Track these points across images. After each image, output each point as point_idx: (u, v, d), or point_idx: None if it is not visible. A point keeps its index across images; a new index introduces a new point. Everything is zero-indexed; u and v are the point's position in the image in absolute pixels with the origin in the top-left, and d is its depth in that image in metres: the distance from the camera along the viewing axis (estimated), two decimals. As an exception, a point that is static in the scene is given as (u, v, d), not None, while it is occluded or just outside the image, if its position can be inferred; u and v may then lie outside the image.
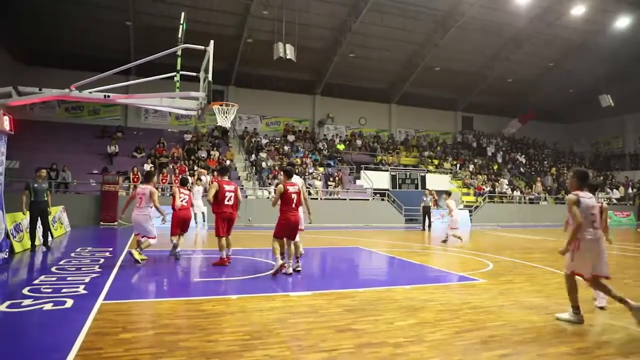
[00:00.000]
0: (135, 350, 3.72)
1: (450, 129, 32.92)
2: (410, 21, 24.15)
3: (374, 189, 23.04)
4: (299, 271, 7.43)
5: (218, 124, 9.87)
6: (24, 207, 9.49)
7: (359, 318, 4.78)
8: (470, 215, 22.94)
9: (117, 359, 3.56)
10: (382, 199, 22.65)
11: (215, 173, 19.50)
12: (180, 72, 8.13)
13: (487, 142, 32.38)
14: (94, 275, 6.81)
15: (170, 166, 20.15)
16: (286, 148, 25.05)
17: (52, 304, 5.05)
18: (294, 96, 28.18)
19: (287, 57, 21.05)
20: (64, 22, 21.21)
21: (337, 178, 23.01)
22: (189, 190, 9.68)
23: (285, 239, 7.24)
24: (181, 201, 9.05)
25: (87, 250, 9.59)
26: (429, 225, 18.18)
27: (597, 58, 27.17)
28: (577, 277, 4.89)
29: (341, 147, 27.23)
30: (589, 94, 29.94)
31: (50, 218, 10.30)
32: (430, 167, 26.94)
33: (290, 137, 26.51)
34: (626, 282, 7.29)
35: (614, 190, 29.01)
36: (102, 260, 8.24)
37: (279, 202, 7.19)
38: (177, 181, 17.14)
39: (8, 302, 5.09)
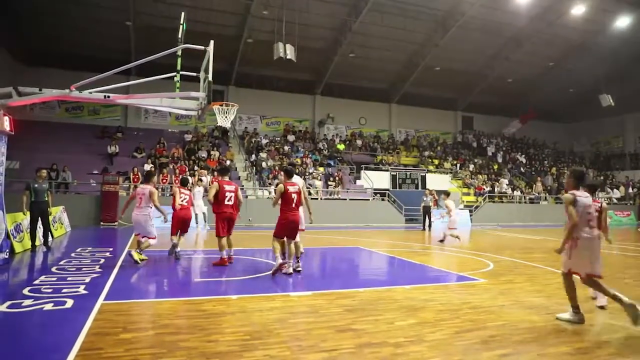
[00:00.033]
0: (135, 351, 3.72)
1: (450, 128, 32.92)
2: (411, 21, 24.15)
3: (374, 189, 23.04)
4: (299, 271, 7.43)
5: (218, 124, 9.87)
6: (25, 208, 9.50)
7: (359, 318, 4.78)
8: (471, 215, 22.94)
9: (117, 359, 3.56)
10: (382, 199, 22.65)
11: (216, 173, 19.53)
12: (181, 72, 8.13)
13: (487, 142, 32.38)
14: (95, 275, 6.81)
15: (171, 166, 20.15)
16: (286, 148, 25.05)
17: (52, 304, 5.05)
18: (294, 96, 28.19)
19: (287, 57, 21.05)
20: (64, 22, 21.22)
21: (337, 178, 23.01)
22: (190, 190, 9.70)
23: (285, 239, 7.25)
24: (182, 201, 9.06)
25: (87, 251, 9.59)
26: (429, 225, 18.18)
27: (597, 58, 27.16)
28: (573, 275, 4.91)
29: (341, 147, 27.23)
30: (589, 93, 29.93)
31: (50, 218, 10.31)
32: (431, 167, 26.93)
33: (291, 137, 26.52)
34: (626, 282, 7.29)
35: (615, 190, 29.00)
36: (102, 261, 8.24)
37: (279, 202, 7.20)
38: (177, 181, 17.16)
39: (8, 302, 5.09)
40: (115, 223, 16.45)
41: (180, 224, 9.05)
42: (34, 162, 16.65)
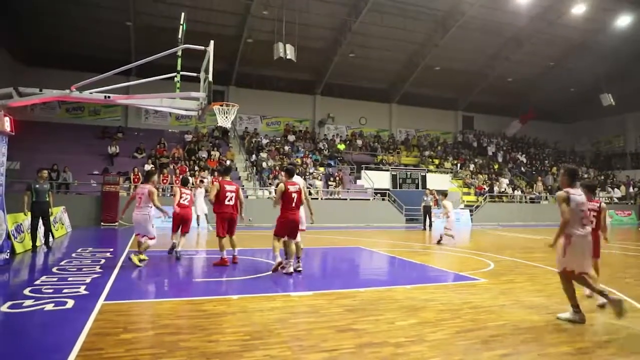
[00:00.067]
0: (136, 351, 3.72)
1: (450, 128, 32.91)
2: (411, 21, 24.14)
3: (375, 189, 23.04)
4: (299, 271, 7.43)
5: (218, 124, 9.86)
6: (26, 208, 9.51)
7: (359, 318, 4.78)
8: (471, 215, 22.93)
9: (118, 359, 3.56)
10: (383, 199, 22.65)
11: (216, 173, 19.56)
12: (181, 73, 8.13)
13: (487, 141, 32.36)
14: (95, 275, 6.81)
15: (171, 166, 20.16)
16: (287, 148, 25.05)
17: (53, 304, 5.06)
18: (294, 96, 28.19)
19: (288, 57, 21.05)
20: (64, 22, 21.23)
21: (337, 178, 23.01)
22: (190, 190, 9.76)
23: (287, 239, 7.26)
24: (182, 200, 9.13)
25: (88, 251, 9.59)
26: (430, 225, 18.18)
27: (598, 57, 27.14)
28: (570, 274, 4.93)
29: (342, 147, 27.23)
30: (589, 93, 29.90)
31: (51, 219, 10.32)
32: (431, 167, 26.92)
33: (291, 137, 26.52)
34: (627, 282, 7.28)
35: (615, 190, 28.99)
36: (103, 261, 8.25)
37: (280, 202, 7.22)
38: (177, 181, 17.19)
39: (9, 303, 5.10)
40: (116, 223, 16.46)
41: (181, 223, 9.11)
42: (35, 162, 16.67)
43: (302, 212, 7.68)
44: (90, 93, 7.88)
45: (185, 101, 8.26)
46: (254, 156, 23.30)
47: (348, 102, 29.28)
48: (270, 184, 20.57)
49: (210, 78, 7.62)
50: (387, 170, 24.64)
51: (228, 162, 21.25)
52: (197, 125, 24.87)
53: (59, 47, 22.64)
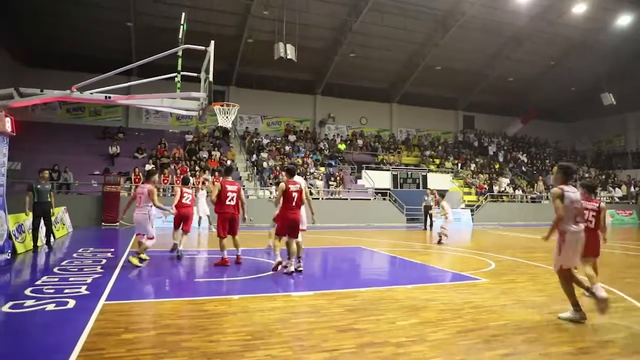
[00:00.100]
0: (137, 351, 3.72)
1: (451, 128, 32.89)
2: (411, 21, 24.13)
3: (376, 189, 23.02)
4: (300, 271, 7.43)
5: (219, 124, 9.87)
6: (27, 208, 9.54)
7: (360, 318, 4.78)
8: (472, 215, 22.91)
9: (119, 359, 3.57)
10: (384, 199, 22.63)
11: (217, 173, 19.57)
12: (181, 73, 8.13)
13: (488, 141, 32.33)
14: (96, 275, 6.82)
15: (172, 167, 20.17)
16: (287, 148, 25.05)
17: (54, 304, 5.06)
18: (294, 96, 28.19)
19: (288, 57, 21.05)
20: (64, 22, 21.22)
21: (338, 178, 23.01)
22: (191, 189, 9.87)
23: (288, 238, 7.29)
24: (185, 200, 9.30)
25: (89, 251, 9.60)
26: (431, 225, 18.17)
27: (599, 56, 27.11)
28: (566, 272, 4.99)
29: (342, 146, 27.23)
30: (590, 92, 29.87)
31: (52, 219, 10.33)
32: (432, 167, 26.90)
33: (292, 137, 26.52)
34: (628, 282, 7.27)
35: (617, 189, 28.95)
36: (104, 261, 8.25)
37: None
38: (178, 181, 17.19)
39: (11, 303, 5.10)
40: (117, 223, 16.47)
41: (182, 221, 9.25)
42: (36, 163, 16.67)
43: (303, 211, 7.71)
44: (91, 93, 7.89)
45: (185, 101, 8.26)
46: (254, 156, 23.31)
47: (349, 102, 29.27)
48: (270, 184, 20.57)
49: (211, 78, 7.62)
50: (388, 170, 24.61)
51: (229, 162, 21.26)
52: (197, 125, 24.87)
53: (59, 47, 22.65)
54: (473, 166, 28.59)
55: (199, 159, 21.43)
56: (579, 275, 5.00)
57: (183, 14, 8.55)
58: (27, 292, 5.65)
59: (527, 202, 25.91)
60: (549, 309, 5.28)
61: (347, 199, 21.87)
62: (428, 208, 18.30)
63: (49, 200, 9.82)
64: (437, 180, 24.48)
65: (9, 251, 8.18)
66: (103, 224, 16.61)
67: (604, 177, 30.96)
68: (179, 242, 9.12)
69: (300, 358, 3.65)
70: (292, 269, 7.22)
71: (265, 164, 22.41)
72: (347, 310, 5.09)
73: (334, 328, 4.41)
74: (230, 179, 8.54)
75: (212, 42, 7.84)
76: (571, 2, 22.91)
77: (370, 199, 22.51)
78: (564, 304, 5.12)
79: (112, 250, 9.99)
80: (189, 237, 10.75)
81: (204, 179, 18.61)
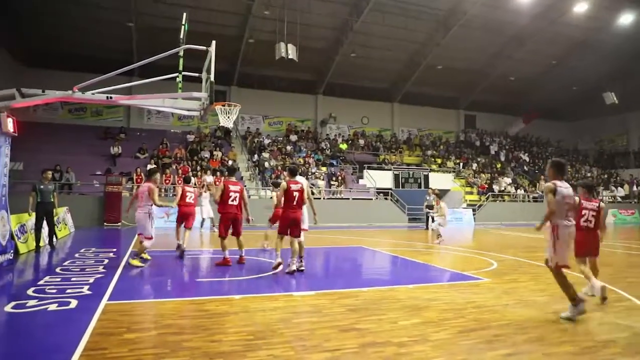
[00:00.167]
0: (139, 351, 3.72)
1: (453, 127, 32.84)
2: (412, 20, 24.11)
3: (377, 189, 23.01)
4: (302, 270, 7.44)
5: (220, 124, 9.92)
6: (30, 209, 9.57)
7: (362, 317, 4.77)
8: (474, 214, 22.89)
9: (121, 359, 3.57)
10: (385, 198, 22.62)
11: (219, 173, 19.58)
12: (183, 73, 8.12)
13: (490, 140, 32.29)
14: (98, 275, 6.83)
15: (174, 167, 20.20)
16: (289, 148, 25.05)
17: (56, 304, 5.07)
18: (296, 96, 28.19)
19: (289, 57, 21.05)
20: (64, 22, 21.23)
21: (340, 178, 23.00)
22: (193, 187, 10.13)
23: (290, 238, 7.33)
24: (188, 199, 9.48)
25: (91, 251, 9.62)
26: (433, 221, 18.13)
27: (601, 55, 27.04)
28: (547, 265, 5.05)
29: (344, 146, 27.21)
30: (592, 91, 29.80)
31: (54, 219, 10.36)
32: (433, 166, 26.88)
33: (293, 137, 26.53)
34: (631, 281, 7.24)
35: (619, 188, 28.87)
36: (106, 261, 8.27)
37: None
38: (180, 181, 17.21)
39: (13, 303, 5.11)
40: (119, 224, 16.51)
41: (184, 218, 9.45)
42: (38, 163, 16.68)
43: (305, 211, 7.74)
44: (93, 94, 7.89)
45: (187, 101, 8.26)
46: (256, 156, 23.32)
47: (350, 101, 29.26)
48: (272, 183, 20.57)
49: (212, 78, 7.62)
50: (390, 170, 24.61)
51: (230, 162, 21.27)
52: (199, 125, 24.89)
53: (60, 47, 22.68)
54: (475, 166, 28.54)
55: (200, 159, 21.45)
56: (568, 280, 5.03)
57: (184, 14, 8.53)
58: (30, 292, 5.66)
59: (528, 201, 25.88)
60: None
61: (348, 199, 21.87)
62: (430, 208, 18.28)
63: (52, 200, 9.87)
64: (439, 180, 24.46)
65: (12, 251, 8.19)
66: (105, 224, 16.64)
67: (606, 176, 30.89)
68: (183, 239, 9.23)
69: (302, 358, 3.65)
70: (293, 268, 7.24)
71: (266, 164, 22.42)
72: (349, 310, 5.09)
73: (336, 328, 4.40)
74: (233, 179, 8.56)
75: (214, 42, 7.84)
76: (573, 1, 22.86)
77: (371, 199, 22.50)
78: (566, 303, 5.11)
79: (114, 250, 10.01)
80: (191, 237, 10.78)
81: (207, 184, 18.56)
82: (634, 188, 28.89)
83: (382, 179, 23.86)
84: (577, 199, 5.77)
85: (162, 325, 4.47)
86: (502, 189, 26.13)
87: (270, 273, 7.31)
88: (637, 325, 4.71)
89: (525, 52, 27.08)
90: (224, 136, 25.07)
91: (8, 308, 4.94)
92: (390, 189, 23.23)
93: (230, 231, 8.16)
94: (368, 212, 21.18)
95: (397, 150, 28.18)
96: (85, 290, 5.82)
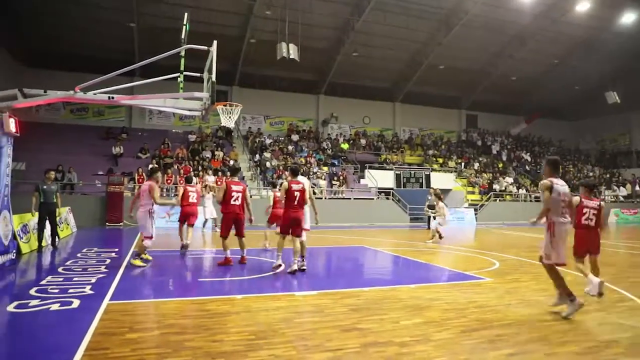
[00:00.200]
0: (141, 350, 3.73)
1: (454, 127, 32.80)
2: (414, 20, 24.08)
3: (379, 188, 23.00)
4: (303, 270, 7.44)
5: (222, 124, 9.91)
6: (33, 209, 9.60)
7: (364, 317, 4.77)
8: (476, 214, 22.86)
9: (123, 359, 3.57)
10: (387, 198, 22.61)
11: (220, 173, 19.61)
12: (184, 73, 8.14)
13: (491, 140, 32.23)
14: (100, 275, 6.84)
15: (175, 167, 20.22)
16: (290, 148, 25.06)
17: (59, 304, 5.08)
18: (297, 96, 28.19)
19: (291, 57, 21.04)
20: (65, 22, 21.23)
21: (341, 177, 23.00)
22: (195, 186, 10.22)
23: (292, 237, 7.36)
24: (191, 199, 9.59)
25: (93, 251, 9.63)
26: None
27: (603, 54, 26.97)
28: (542, 262, 5.15)
29: (345, 146, 27.21)
30: (594, 91, 29.73)
31: (57, 219, 10.38)
32: (435, 166, 26.86)
33: (294, 137, 26.53)
34: (633, 281, 7.22)
35: (621, 188, 28.80)
36: (108, 261, 8.28)
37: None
38: (182, 181, 17.25)
39: (16, 303, 5.12)
40: (121, 223, 16.54)
41: (186, 218, 9.60)
42: (40, 163, 16.73)
43: (307, 211, 7.76)
44: (94, 94, 7.90)
45: (188, 101, 8.27)
46: (257, 156, 23.32)
47: (351, 101, 29.24)
48: (273, 183, 20.58)
49: (214, 78, 7.61)
50: (391, 170, 24.60)
51: (231, 162, 21.30)
52: (200, 125, 24.92)
53: (61, 47, 22.70)
54: (476, 165, 28.50)
55: (202, 159, 21.47)
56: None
57: (186, 14, 8.55)
58: (32, 292, 5.67)
59: (530, 201, 25.84)
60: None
61: (350, 199, 21.86)
62: (431, 208, 18.25)
63: (55, 200, 9.90)
64: (441, 180, 24.44)
65: (14, 251, 8.21)
66: (107, 224, 16.67)
67: (608, 175, 30.81)
68: (186, 236, 9.32)
69: (304, 358, 3.65)
70: (295, 267, 7.25)
71: (268, 164, 22.43)
72: (350, 309, 5.08)
73: (338, 327, 4.40)
74: (236, 179, 8.60)
75: (215, 42, 7.84)
76: (574, 0, 22.83)
77: (373, 199, 22.49)
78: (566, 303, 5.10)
79: (116, 250, 10.02)
80: (194, 237, 10.80)
81: (208, 184, 18.58)
82: (637, 187, 28.81)
83: (384, 178, 23.86)
84: (578, 198, 5.82)
85: (164, 325, 4.47)
86: (503, 188, 26.08)
87: (272, 273, 7.31)
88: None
89: (527, 51, 27.03)
90: (226, 136, 25.08)
91: (10, 308, 4.96)
92: (392, 188, 23.21)
93: (233, 232, 8.17)
94: (369, 212, 21.17)
95: (399, 150, 28.15)
96: (88, 290, 5.83)
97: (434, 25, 25.12)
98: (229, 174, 9.10)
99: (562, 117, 35.31)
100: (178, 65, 8.16)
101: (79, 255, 9.00)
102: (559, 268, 5.09)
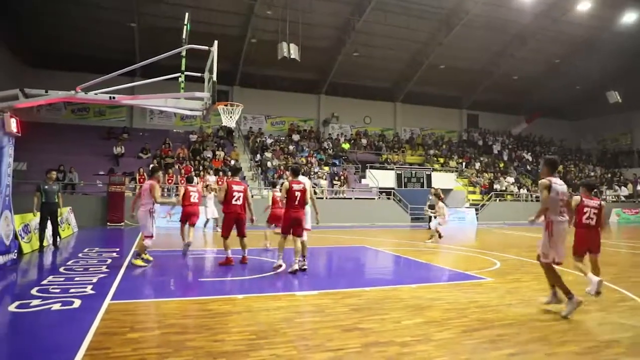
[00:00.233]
0: (142, 350, 3.73)
1: (455, 127, 32.77)
2: (414, 19, 24.07)
3: (380, 188, 23.00)
4: (304, 269, 7.45)
5: (223, 124, 9.93)
6: (35, 209, 9.62)
7: (365, 317, 4.77)
8: (477, 214, 22.85)
9: (124, 359, 3.58)
10: (388, 198, 22.60)
11: (221, 173, 19.60)
12: (185, 73, 8.15)
13: (493, 139, 32.20)
14: (102, 275, 6.85)
15: (176, 167, 20.24)
16: (291, 147, 25.06)
17: (60, 304, 5.08)
18: (298, 96, 28.19)
19: (291, 56, 21.03)
20: (66, 23, 21.21)
21: (342, 177, 22.99)
22: (196, 186, 10.25)
23: (293, 237, 7.36)
24: (192, 199, 9.61)
25: (94, 251, 9.65)
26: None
27: (604, 54, 26.90)
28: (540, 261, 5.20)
29: (346, 146, 27.20)
30: (595, 90, 29.67)
31: (58, 219, 10.40)
32: (436, 166, 26.84)
33: (295, 137, 26.53)
34: (635, 281, 7.22)
35: (622, 188, 28.76)
36: (109, 261, 8.29)
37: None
38: (183, 181, 17.26)
39: (17, 302, 5.13)
40: (122, 223, 16.56)
41: (188, 218, 9.60)
42: (41, 163, 16.75)
43: (308, 211, 7.77)
44: (95, 94, 7.92)
45: (189, 101, 8.28)
46: (258, 156, 23.33)
47: (352, 101, 29.23)
48: (274, 183, 20.58)
49: (215, 78, 7.62)
50: (392, 169, 24.59)
51: (232, 162, 21.31)
52: (201, 125, 24.93)
53: (61, 47, 22.70)
54: (477, 165, 28.47)
55: (203, 159, 21.48)
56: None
57: (186, 14, 8.56)
58: (33, 291, 5.68)
59: (532, 201, 25.80)
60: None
61: (351, 199, 21.86)
62: (432, 207, 18.24)
63: (57, 201, 9.91)
64: (442, 180, 24.41)
65: (15, 251, 8.23)
66: (108, 224, 16.69)
67: (609, 175, 30.76)
68: (187, 235, 9.34)
69: (305, 357, 3.65)
70: (296, 267, 7.26)
71: (269, 164, 22.43)
72: (351, 309, 5.09)
73: (339, 327, 4.40)
74: (237, 179, 8.61)
75: (216, 42, 7.85)
76: (576, 0, 22.76)
77: (374, 199, 22.49)
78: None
79: (117, 250, 10.03)
80: (195, 237, 10.79)
81: (209, 183, 18.59)
82: (638, 187, 28.77)
83: (385, 178, 23.85)
84: (578, 197, 5.86)
85: (165, 324, 4.48)
86: (504, 188, 26.06)
87: (273, 273, 7.31)
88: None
89: (528, 51, 27.00)
90: (227, 136, 25.10)
91: (12, 307, 4.97)
92: (393, 188, 23.21)
93: (234, 232, 8.18)
94: (370, 212, 21.17)
95: (400, 149, 28.14)
96: (89, 289, 5.84)
97: (435, 25, 25.10)
98: (229, 173, 9.10)
99: (563, 117, 35.26)
100: (179, 65, 8.17)
101: (80, 255, 9.02)
102: (556, 267, 5.10)
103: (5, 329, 4.51)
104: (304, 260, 7.57)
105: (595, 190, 6.38)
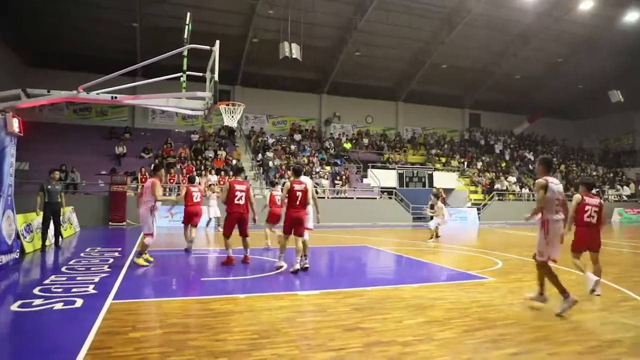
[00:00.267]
0: (144, 350, 3.74)
1: (457, 126, 32.72)
2: (416, 19, 24.03)
3: (381, 188, 22.99)
4: (306, 268, 7.45)
5: (225, 124, 9.95)
6: (38, 208, 9.65)
7: (367, 317, 4.77)
8: (479, 213, 22.81)
9: (126, 358, 3.58)
10: (390, 198, 22.59)
11: (223, 173, 19.63)
12: (187, 73, 8.16)
13: (494, 139, 32.15)
14: (104, 275, 6.86)
15: (178, 166, 20.25)
16: (293, 147, 25.06)
17: (62, 303, 5.09)
18: (300, 95, 28.19)
19: (293, 56, 21.03)
20: (66, 23, 21.21)
21: (344, 177, 22.99)
22: (197, 186, 10.33)
23: (294, 237, 7.37)
24: (194, 199, 9.69)
25: (96, 250, 9.67)
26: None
27: (606, 53, 26.81)
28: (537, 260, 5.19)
29: (348, 145, 27.19)
30: (598, 89, 29.58)
31: (61, 219, 10.44)
32: (438, 165, 26.81)
33: (297, 136, 26.53)
34: (637, 281, 7.20)
35: (625, 187, 28.68)
36: (111, 260, 8.30)
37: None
38: (184, 180, 17.28)
39: (19, 302, 5.14)
40: (124, 223, 16.58)
41: (190, 218, 9.69)
42: (43, 163, 16.79)
43: (310, 210, 7.77)
44: (97, 94, 7.92)
45: (191, 101, 8.29)
46: (260, 155, 23.34)
47: (354, 100, 29.21)
48: (276, 182, 20.58)
49: (216, 78, 7.62)
50: (394, 169, 24.58)
51: (234, 162, 21.33)
52: (203, 125, 24.94)
53: (62, 47, 22.71)
54: (479, 164, 28.43)
55: (204, 159, 21.49)
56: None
57: (188, 14, 8.56)
58: (36, 291, 5.70)
59: (533, 200, 25.71)
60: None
61: (352, 198, 21.85)
62: (433, 207, 18.22)
63: (59, 200, 9.94)
64: (443, 179, 24.40)
65: (17, 250, 8.25)
66: (110, 223, 16.73)
67: (612, 175, 30.68)
68: (190, 234, 9.41)
69: (306, 357, 3.65)
70: (297, 267, 7.25)
71: (270, 163, 22.44)
72: (353, 309, 5.08)
73: (341, 327, 4.40)
74: (239, 178, 8.63)
75: (217, 41, 7.85)
76: (578, -1, 22.74)
77: (376, 198, 22.47)
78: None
79: (119, 249, 10.05)
80: (197, 236, 10.83)
81: (211, 183, 18.61)
82: (640, 187, 28.71)
83: (386, 178, 23.83)
84: (579, 196, 5.89)
85: (167, 324, 4.48)
86: (506, 187, 26.01)
87: (275, 272, 7.32)
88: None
89: (530, 50, 26.94)
90: (228, 136, 25.11)
91: (14, 307, 4.98)
92: (395, 188, 23.19)
93: (236, 231, 8.19)
94: (372, 212, 21.16)
95: (402, 149, 28.11)
96: (91, 289, 5.85)
97: (437, 24, 25.06)
98: (231, 173, 9.15)
99: (565, 116, 35.17)
100: (180, 65, 8.17)
101: (82, 254, 9.03)
102: (552, 265, 5.10)
103: (8, 328, 4.52)
104: (306, 259, 7.57)
105: (595, 188, 6.41)
